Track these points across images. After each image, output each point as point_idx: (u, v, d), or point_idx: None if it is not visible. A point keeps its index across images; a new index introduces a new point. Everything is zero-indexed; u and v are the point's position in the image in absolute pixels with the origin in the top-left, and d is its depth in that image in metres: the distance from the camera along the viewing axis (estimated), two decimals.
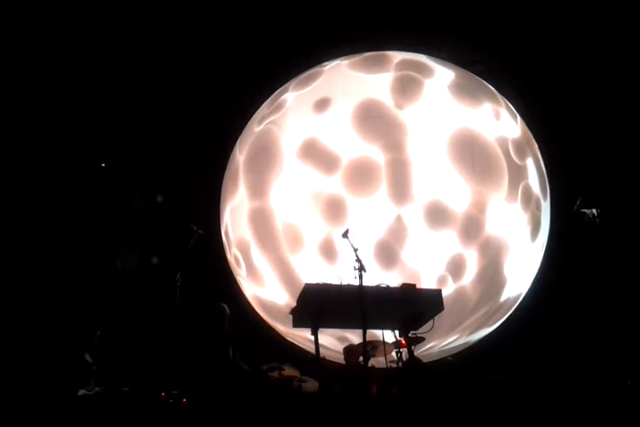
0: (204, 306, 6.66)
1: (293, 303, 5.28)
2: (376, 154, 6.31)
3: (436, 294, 5.25)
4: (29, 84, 7.76)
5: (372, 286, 5.05)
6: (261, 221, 6.63)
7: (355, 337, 6.18)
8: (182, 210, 8.39)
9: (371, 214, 6.22)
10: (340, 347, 6.30)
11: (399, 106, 6.49)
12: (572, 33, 7.74)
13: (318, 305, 4.96)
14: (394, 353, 5.62)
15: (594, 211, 5.84)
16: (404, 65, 6.88)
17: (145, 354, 7.27)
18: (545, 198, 7.03)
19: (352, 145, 6.36)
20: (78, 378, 5.92)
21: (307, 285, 5.08)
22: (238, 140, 7.43)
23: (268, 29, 7.95)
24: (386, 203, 6.25)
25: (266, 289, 6.84)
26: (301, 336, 6.58)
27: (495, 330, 7.10)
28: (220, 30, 7.95)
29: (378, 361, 5.78)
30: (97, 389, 5.86)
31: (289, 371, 6.00)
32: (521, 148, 6.83)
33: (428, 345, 6.39)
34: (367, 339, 4.90)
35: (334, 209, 6.26)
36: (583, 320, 6.06)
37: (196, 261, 6.41)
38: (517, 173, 6.65)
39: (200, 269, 6.92)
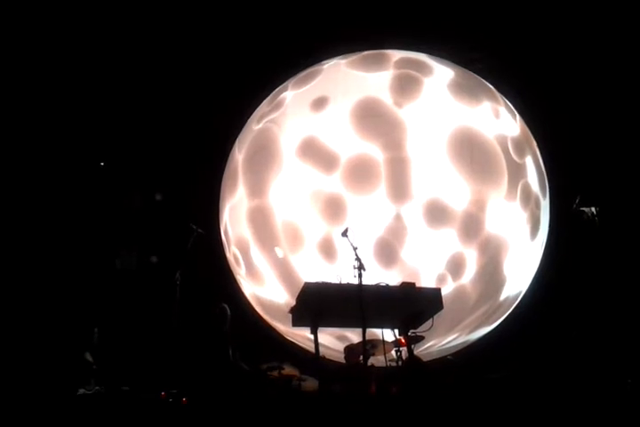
0: (204, 305, 6.66)
1: (293, 302, 5.28)
2: (375, 152, 6.31)
3: (436, 293, 5.26)
4: (29, 84, 7.75)
5: (372, 285, 5.05)
6: (261, 220, 6.63)
7: (354, 336, 6.17)
8: (181, 209, 8.38)
9: (370, 213, 6.22)
10: (339, 346, 6.30)
11: (398, 104, 6.48)
12: (570, 31, 7.74)
13: (318, 304, 4.96)
14: (393, 352, 5.62)
15: (593, 209, 5.84)
16: (403, 63, 6.87)
17: (145, 353, 7.27)
18: (544, 197, 7.03)
19: (351, 143, 6.35)
20: (78, 377, 5.92)
21: (306, 284, 5.08)
22: (237, 139, 7.43)
23: (267, 28, 7.94)
24: (385, 201, 6.25)
25: (265, 288, 6.84)
26: (301, 335, 6.58)
27: (495, 329, 7.09)
28: (219, 29, 7.94)
29: (377, 360, 5.78)
30: (97, 388, 5.86)
31: (288, 370, 6.00)
32: (520, 146, 6.82)
33: (428, 344, 6.39)
34: (367, 338, 4.91)
35: (334, 208, 6.26)
36: (582, 319, 6.06)
37: (196, 261, 6.41)
38: (517, 172, 6.65)
39: (199, 268, 6.92)
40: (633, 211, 7.39)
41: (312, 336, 5.03)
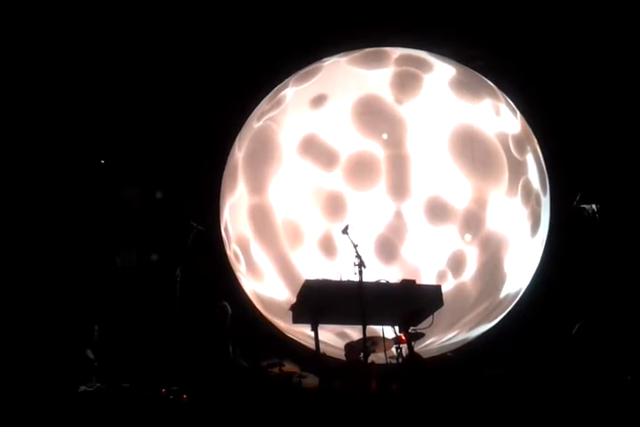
0: (204, 302, 6.67)
1: (293, 299, 5.29)
2: (376, 149, 6.30)
3: (436, 290, 5.26)
4: (29, 82, 7.75)
5: (372, 282, 5.05)
6: (261, 218, 6.63)
7: (354, 333, 6.17)
8: (182, 206, 8.38)
9: (370, 210, 6.22)
10: (339, 343, 6.30)
11: (399, 101, 6.48)
12: (571, 29, 7.73)
13: (318, 301, 4.97)
14: (394, 349, 5.61)
15: (593, 206, 5.84)
16: (403, 60, 6.87)
17: (145, 350, 7.28)
18: (545, 194, 7.03)
19: (351, 140, 6.35)
20: (79, 374, 5.93)
21: (306, 281, 5.08)
22: (238, 137, 7.42)
23: (268, 26, 7.94)
24: (385, 198, 6.25)
25: (265, 285, 6.84)
26: (301, 332, 6.58)
27: (495, 326, 7.09)
28: (220, 27, 7.93)
29: (378, 357, 5.78)
30: (98, 385, 5.87)
31: (289, 367, 6.01)
32: (521, 143, 6.82)
33: (428, 341, 6.39)
34: (367, 335, 4.91)
35: (334, 205, 6.26)
36: (582, 316, 6.06)
37: (196, 258, 6.41)
38: (517, 169, 6.64)
39: (200, 265, 6.93)
40: (633, 208, 7.39)
41: (312, 333, 5.03)
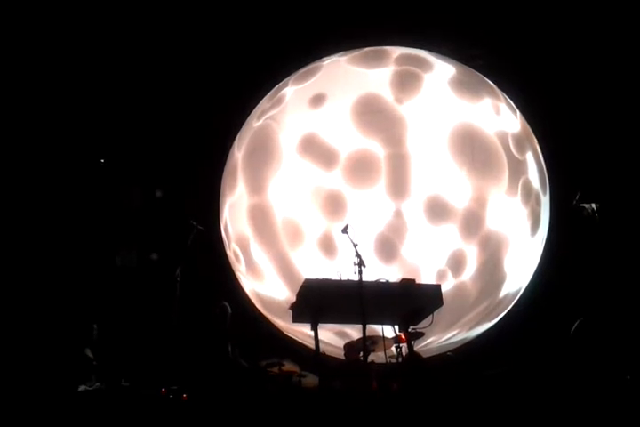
0: (204, 302, 6.67)
1: (293, 299, 5.29)
2: (376, 148, 6.30)
3: (436, 290, 5.26)
4: (29, 81, 7.74)
5: (372, 282, 5.06)
6: (261, 217, 6.63)
7: (354, 332, 6.18)
8: (182, 206, 8.38)
9: (370, 209, 6.22)
10: (339, 342, 6.30)
11: (399, 100, 6.47)
12: (571, 28, 7.73)
13: (318, 300, 4.97)
14: (393, 348, 5.62)
15: (593, 205, 5.84)
16: (403, 60, 6.86)
17: (145, 350, 7.28)
18: (544, 193, 7.03)
19: (351, 140, 6.35)
20: (79, 374, 5.93)
21: (306, 280, 5.08)
22: (238, 136, 7.42)
23: (268, 25, 7.93)
24: (385, 198, 6.25)
25: (265, 284, 6.84)
26: (301, 332, 6.58)
27: (495, 325, 7.10)
28: (220, 26, 7.93)
29: (377, 356, 5.78)
30: (97, 384, 5.87)
31: (289, 366, 6.01)
32: (521, 142, 6.82)
33: (428, 340, 6.39)
34: (367, 334, 4.91)
35: (334, 204, 6.25)
36: (582, 315, 6.06)
37: (196, 257, 6.41)
38: (517, 168, 6.64)
39: (199, 265, 6.93)
40: (633, 207, 7.39)
41: (312, 333, 5.03)
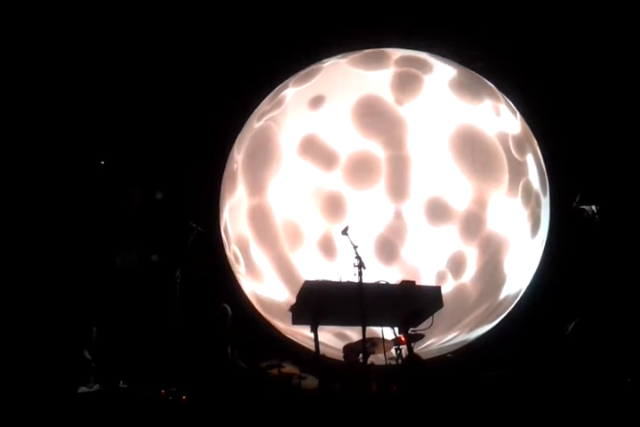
0: (204, 303, 6.66)
1: (293, 300, 5.28)
2: (376, 150, 6.30)
3: (436, 291, 5.26)
4: (29, 83, 7.74)
5: (372, 283, 5.05)
6: (260, 218, 6.62)
7: (354, 334, 6.17)
8: (181, 207, 8.38)
9: (370, 211, 6.21)
10: (339, 344, 6.30)
11: (399, 102, 6.47)
12: (571, 30, 7.73)
13: (318, 302, 4.96)
14: (393, 350, 5.61)
15: (593, 207, 5.84)
16: (403, 61, 6.86)
17: (145, 351, 7.27)
18: (545, 195, 7.03)
19: (352, 141, 6.34)
20: (78, 375, 5.93)
21: (306, 282, 5.08)
22: (238, 137, 7.42)
23: (268, 26, 7.94)
24: (386, 199, 6.24)
25: (265, 286, 6.83)
26: (301, 333, 6.58)
27: (495, 327, 7.09)
28: (220, 27, 7.93)
29: (377, 358, 5.78)
30: (96, 386, 5.87)
31: (288, 368, 6.00)
32: (521, 144, 6.82)
33: (428, 342, 6.39)
34: (367, 336, 4.91)
35: (334, 205, 6.25)
36: (582, 317, 6.06)
37: (196, 259, 6.41)
38: (518, 170, 6.64)
39: (199, 266, 6.92)
40: (633, 209, 7.38)
41: (312, 334, 5.03)
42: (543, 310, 7.33)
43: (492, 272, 6.52)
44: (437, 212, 6.25)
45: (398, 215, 6.22)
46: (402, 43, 7.35)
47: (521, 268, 6.81)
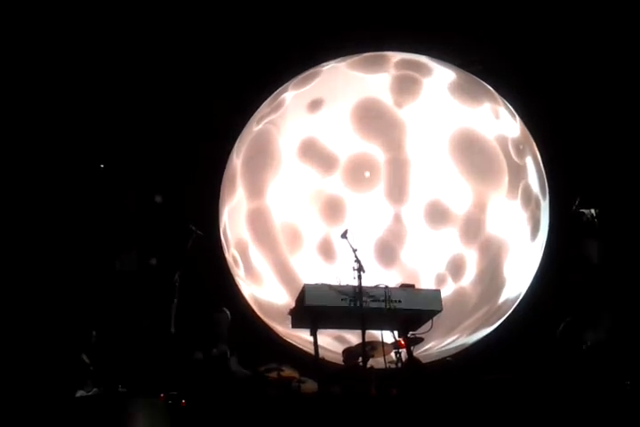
0: (203, 307, 6.65)
1: (292, 304, 5.27)
2: (375, 153, 6.30)
3: (435, 295, 5.25)
4: (27, 85, 7.74)
5: (371, 287, 5.04)
6: (260, 222, 6.62)
7: (353, 338, 6.16)
8: (181, 210, 8.37)
9: (370, 214, 6.21)
10: (338, 348, 6.29)
11: (398, 105, 6.48)
12: (570, 33, 7.73)
13: (317, 306, 4.95)
14: (393, 354, 5.60)
15: (592, 211, 5.83)
16: (402, 64, 6.87)
17: (144, 355, 7.25)
18: (544, 198, 7.03)
19: (351, 144, 6.35)
20: (76, 379, 5.91)
21: (305, 285, 5.07)
22: (237, 140, 7.43)
23: (268, 30, 7.95)
24: (385, 202, 6.24)
25: (264, 289, 6.83)
26: (300, 337, 6.57)
27: (494, 330, 7.08)
28: (220, 31, 7.94)
29: (377, 362, 5.77)
30: (94, 390, 5.85)
31: (288, 372, 5.99)
32: (520, 147, 6.82)
33: (427, 346, 6.38)
34: (366, 340, 4.90)
35: (333, 209, 6.25)
36: (581, 320, 6.05)
37: (195, 262, 6.40)
38: (517, 173, 6.64)
39: (199, 269, 6.91)
40: (633, 212, 7.38)
41: (311, 338, 5.02)
42: (543, 313, 7.32)
43: (491, 275, 6.51)
44: (437, 215, 6.24)
45: (397, 218, 6.22)
46: (401, 46, 7.35)
47: (521, 271, 6.80)
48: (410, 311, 5.08)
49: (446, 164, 6.33)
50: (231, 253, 7.11)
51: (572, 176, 7.49)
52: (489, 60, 7.85)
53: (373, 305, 4.91)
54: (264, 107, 7.34)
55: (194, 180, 8.36)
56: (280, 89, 7.33)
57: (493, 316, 6.85)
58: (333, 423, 4.80)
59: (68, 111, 8.06)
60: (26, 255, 7.54)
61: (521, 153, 6.77)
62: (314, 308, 4.97)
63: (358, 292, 4.80)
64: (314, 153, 6.42)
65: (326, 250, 6.22)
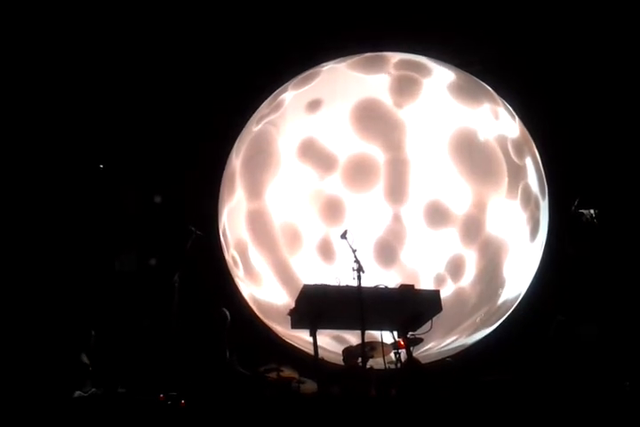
0: (202, 307, 6.65)
1: (291, 304, 5.27)
2: (375, 153, 6.30)
3: (435, 295, 5.25)
4: (28, 86, 7.74)
5: (371, 287, 5.04)
6: (259, 222, 6.61)
7: (353, 338, 6.16)
8: (180, 211, 8.37)
9: (369, 214, 6.21)
10: (338, 348, 6.29)
11: (398, 105, 6.47)
12: (569, 34, 7.74)
13: (317, 306, 4.95)
14: (392, 354, 5.60)
15: (592, 211, 5.84)
16: (402, 65, 6.87)
17: (143, 355, 7.25)
18: (544, 198, 7.02)
19: (350, 144, 6.34)
20: (74, 380, 5.91)
21: (305, 286, 5.07)
22: (237, 141, 7.42)
23: (268, 30, 7.95)
24: (384, 202, 6.24)
25: (263, 290, 6.82)
26: (300, 337, 6.56)
27: (494, 331, 7.08)
28: (220, 31, 7.95)
29: (376, 362, 5.76)
30: (93, 390, 5.85)
31: (287, 372, 5.99)
32: (520, 147, 6.82)
33: (427, 346, 6.38)
34: (366, 340, 4.90)
35: (332, 209, 6.24)
36: (581, 320, 6.05)
37: (194, 263, 6.40)
38: (517, 173, 6.64)
39: (198, 270, 6.92)
40: (632, 213, 7.38)
41: (311, 338, 5.02)
42: (542, 313, 7.32)
43: (491, 276, 6.51)
44: (436, 215, 6.24)
45: (397, 218, 6.22)
46: (401, 47, 7.35)
47: (520, 271, 6.80)
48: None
49: (446, 164, 6.33)
50: (231, 254, 7.11)
51: (571, 176, 7.49)
52: (488, 61, 7.85)
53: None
54: (264, 107, 7.33)
55: (194, 180, 8.36)
56: (280, 89, 7.33)
57: (493, 316, 6.84)
58: (333, 424, 4.79)
59: (68, 112, 8.06)
60: (26, 256, 7.54)
61: (520, 154, 6.77)
62: (313, 308, 4.96)
63: (358, 292, 4.79)
64: (313, 153, 6.42)
65: (326, 250, 6.22)
